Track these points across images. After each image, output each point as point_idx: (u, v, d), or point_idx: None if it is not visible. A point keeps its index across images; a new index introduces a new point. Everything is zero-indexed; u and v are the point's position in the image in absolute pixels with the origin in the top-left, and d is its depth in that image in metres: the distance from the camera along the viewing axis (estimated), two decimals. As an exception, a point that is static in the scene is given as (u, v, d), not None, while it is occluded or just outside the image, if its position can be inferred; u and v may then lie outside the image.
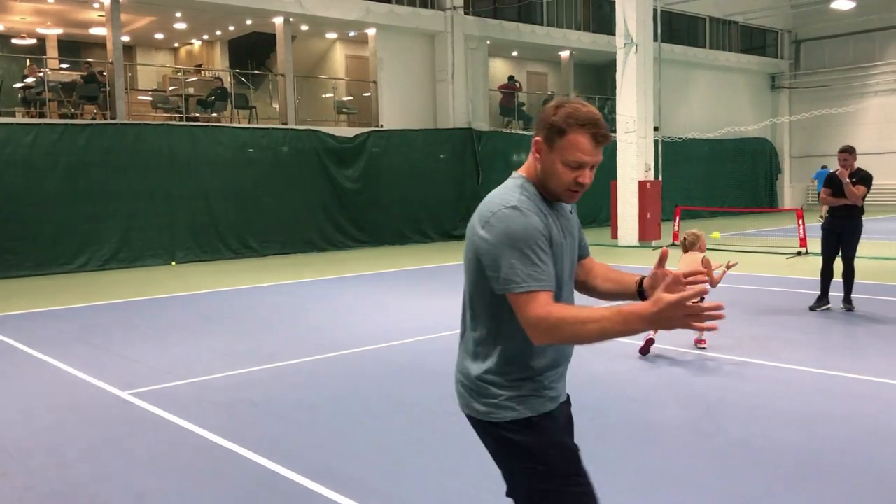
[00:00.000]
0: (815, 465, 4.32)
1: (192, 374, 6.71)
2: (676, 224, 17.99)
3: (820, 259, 9.33)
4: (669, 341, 7.46)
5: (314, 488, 4.14)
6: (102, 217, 15.22)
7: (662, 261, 2.30)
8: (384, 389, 6.18)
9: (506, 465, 2.39)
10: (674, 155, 22.81)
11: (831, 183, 8.98)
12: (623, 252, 16.34)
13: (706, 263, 6.96)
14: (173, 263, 15.94)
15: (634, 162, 17.65)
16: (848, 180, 8.70)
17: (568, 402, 2.55)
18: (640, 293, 2.46)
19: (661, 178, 18.64)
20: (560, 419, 2.45)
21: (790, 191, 30.86)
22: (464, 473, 4.31)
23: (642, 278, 2.48)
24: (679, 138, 23.73)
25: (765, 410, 5.37)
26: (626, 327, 2.05)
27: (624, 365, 6.74)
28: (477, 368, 2.36)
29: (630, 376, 6.38)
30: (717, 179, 27.17)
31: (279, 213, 17.49)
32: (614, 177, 18.37)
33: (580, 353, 7.24)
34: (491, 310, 2.31)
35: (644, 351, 6.98)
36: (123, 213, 15.46)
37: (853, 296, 9.06)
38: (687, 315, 1.98)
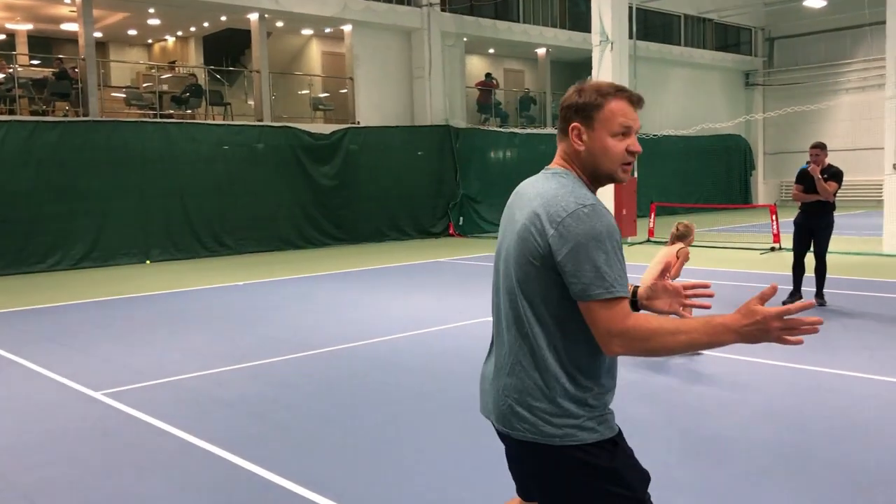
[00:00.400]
0: (789, 459, 4.37)
1: (167, 374, 6.65)
2: (652, 220, 18.11)
3: (792, 254, 9.41)
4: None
5: (290, 487, 4.12)
6: (75, 215, 15.03)
7: (664, 272, 2.23)
8: (359, 388, 6.16)
9: (576, 492, 2.18)
10: (649, 152, 22.90)
11: (803, 179, 9.07)
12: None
13: (684, 255, 6.98)
14: (147, 262, 15.78)
15: (610, 159, 17.72)
16: (819, 176, 8.79)
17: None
18: (633, 304, 2.39)
19: (636, 174, 18.74)
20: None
21: (764, 187, 31.19)
22: (439, 471, 4.31)
23: (636, 288, 2.40)
24: (654, 135, 23.89)
25: (738, 405, 5.42)
26: (713, 339, 1.96)
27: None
28: (545, 386, 2.14)
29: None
30: (691, 176, 27.39)
31: (255, 210, 17.38)
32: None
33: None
34: (557, 319, 2.12)
35: None
36: (96, 211, 15.28)
37: (825, 290, 9.16)
38: (784, 328, 1.92)
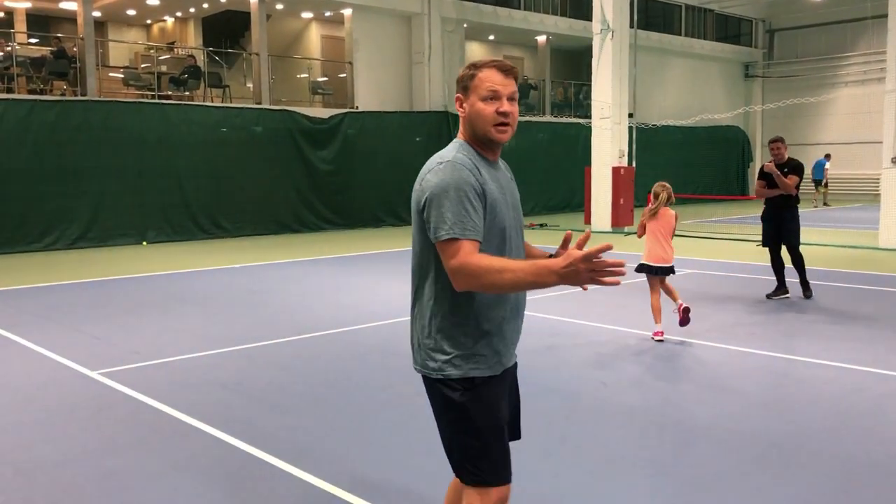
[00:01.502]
0: (780, 449, 4.41)
1: (163, 355, 6.67)
2: (649, 210, 18.12)
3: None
4: (643, 327, 7.54)
5: (284, 468, 4.15)
6: (72, 195, 15.01)
7: (581, 242, 2.33)
8: (355, 371, 6.19)
9: (441, 424, 2.53)
10: (647, 141, 22.93)
11: (765, 175, 9.01)
12: (596, 237, 16.43)
13: (676, 217, 7.22)
14: (144, 243, 15.78)
15: (608, 148, 17.74)
16: (777, 172, 8.73)
17: (514, 367, 2.68)
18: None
19: (634, 164, 18.75)
20: (505, 382, 2.55)
21: (761, 179, 31.22)
22: (434, 453, 4.34)
23: (551, 255, 2.59)
24: (653, 125, 23.87)
25: (731, 395, 5.46)
26: (537, 279, 2.18)
27: (594, 350, 6.80)
28: (431, 325, 2.47)
29: (600, 361, 6.45)
30: (689, 166, 27.40)
31: (252, 193, 17.36)
32: (588, 162, 18.46)
33: (551, 336, 7.30)
34: (437, 264, 2.41)
35: (684, 321, 7.08)
36: (93, 191, 15.26)
37: (810, 281, 9.18)
38: (592, 270, 2.10)
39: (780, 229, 9.01)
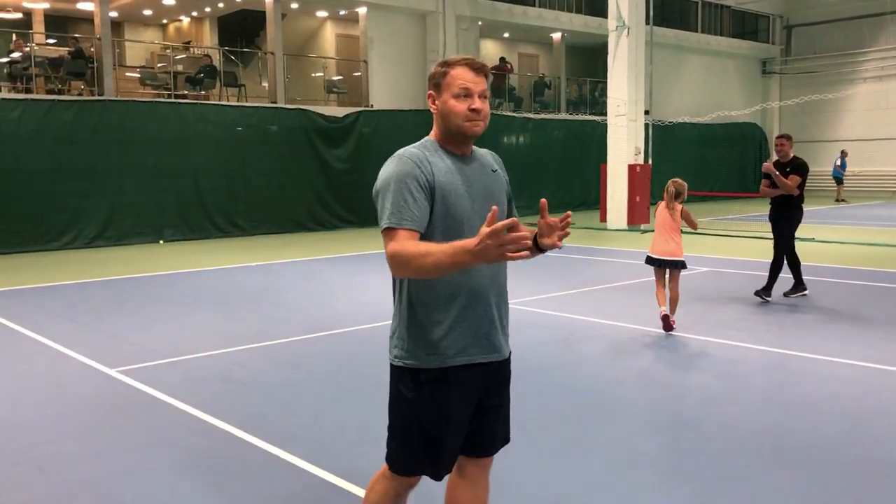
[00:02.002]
0: (797, 448, 4.38)
1: (180, 353, 6.71)
2: (665, 208, 18.03)
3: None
4: (650, 324, 7.51)
5: (300, 465, 4.16)
6: (89, 194, 15.13)
7: (544, 211, 2.43)
8: (369, 369, 6.20)
9: (390, 408, 2.63)
10: (663, 139, 22.84)
11: (769, 174, 8.89)
12: (612, 236, 16.39)
13: (686, 212, 7.32)
14: (161, 242, 15.88)
15: (624, 145, 17.66)
16: (775, 172, 8.57)
17: (501, 364, 2.65)
18: (535, 244, 2.56)
19: (650, 161, 18.67)
20: (464, 380, 2.52)
21: (779, 176, 30.99)
22: (450, 453, 4.34)
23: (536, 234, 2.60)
24: (669, 122, 23.76)
25: (748, 394, 5.43)
26: (455, 259, 2.20)
27: (612, 348, 6.78)
28: (397, 315, 2.59)
29: (617, 359, 6.43)
30: (706, 164, 27.24)
31: (267, 192, 17.43)
32: (604, 160, 18.39)
33: (569, 334, 7.28)
34: None
35: (666, 328, 7.19)
36: (111, 190, 15.37)
37: (830, 279, 9.11)
38: (500, 245, 2.11)
39: (776, 226, 8.90)
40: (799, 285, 9.01)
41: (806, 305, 8.58)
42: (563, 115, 24.43)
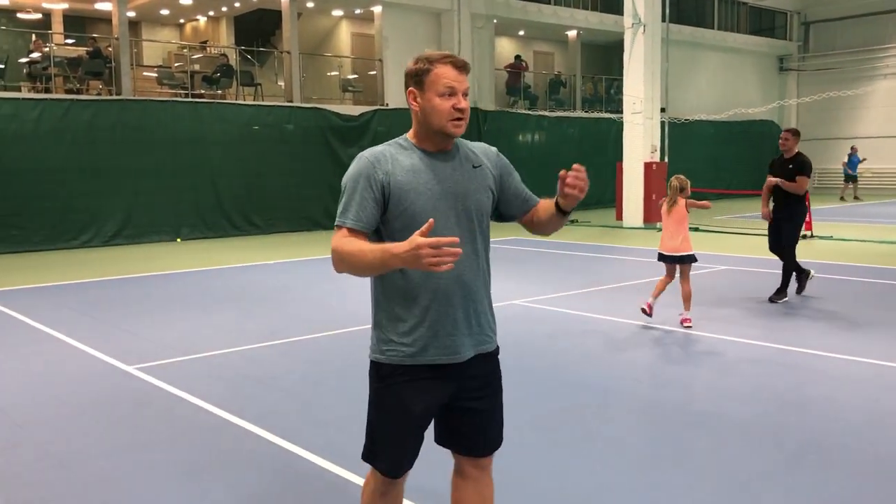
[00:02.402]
0: (816, 447, 4.35)
1: (198, 350, 6.76)
2: (681, 206, 17.94)
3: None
4: (667, 323, 7.49)
5: (318, 462, 4.19)
6: (108, 193, 15.26)
7: (562, 181, 2.51)
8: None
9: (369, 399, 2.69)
10: (680, 136, 22.71)
11: (772, 171, 8.64)
12: (628, 233, 16.34)
13: (691, 203, 7.44)
14: (178, 240, 15.99)
15: (640, 143, 17.59)
16: (782, 181, 8.32)
17: (473, 365, 2.60)
18: (558, 205, 2.65)
19: (667, 159, 18.59)
20: (421, 379, 2.52)
21: (796, 174, 30.73)
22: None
23: (557, 201, 2.66)
24: (685, 120, 23.63)
25: (766, 392, 5.40)
26: (384, 261, 2.27)
27: (625, 345, 6.77)
28: (373, 309, 2.64)
29: (633, 357, 6.42)
30: (722, 161, 27.07)
31: (284, 191, 17.50)
32: (620, 158, 18.33)
33: (582, 333, 7.27)
34: None
35: (647, 312, 7.39)
36: (129, 189, 15.50)
37: (849, 277, 9.03)
38: (429, 256, 2.15)
39: (779, 228, 8.63)
40: (783, 291, 8.66)
41: (823, 303, 8.52)
42: (578, 113, 24.37)
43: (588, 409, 5.10)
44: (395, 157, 2.54)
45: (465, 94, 2.51)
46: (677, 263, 7.46)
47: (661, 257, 7.56)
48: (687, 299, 7.40)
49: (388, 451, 2.61)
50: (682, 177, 7.64)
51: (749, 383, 5.61)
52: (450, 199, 2.53)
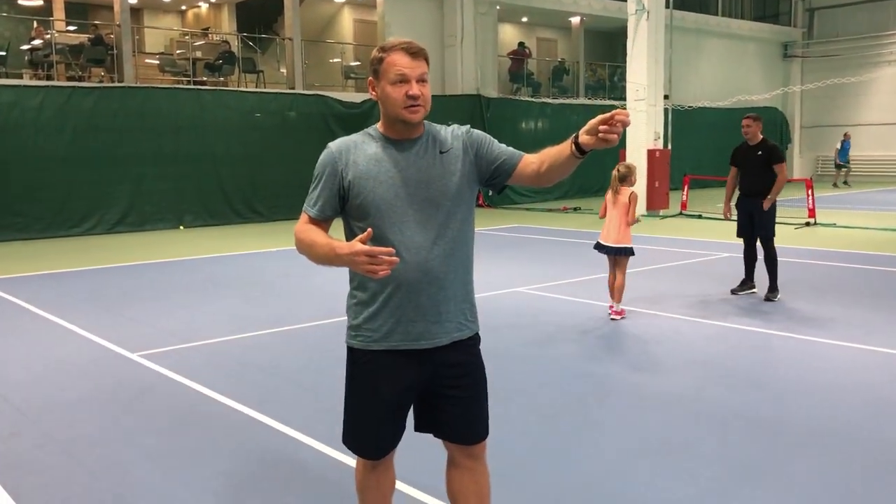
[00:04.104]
0: (820, 435, 4.35)
1: (201, 337, 6.77)
2: (685, 193, 17.92)
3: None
4: (673, 310, 7.48)
5: (320, 448, 4.19)
6: (110, 181, 15.25)
7: (609, 117, 2.35)
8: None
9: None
10: (683, 123, 22.63)
11: (737, 161, 8.38)
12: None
13: (633, 198, 7.18)
14: (181, 227, 15.99)
15: (644, 130, 17.53)
16: (770, 199, 7.91)
17: (447, 352, 2.61)
18: (577, 146, 2.49)
19: (670, 146, 18.53)
20: (386, 365, 2.59)
21: (800, 161, 30.66)
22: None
23: (577, 134, 2.50)
24: (689, 107, 23.54)
25: (769, 380, 5.40)
26: (329, 257, 2.42)
27: (628, 333, 6.77)
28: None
29: (632, 344, 6.42)
30: (726, 149, 26.72)
31: (286, 178, 17.46)
32: (623, 145, 18.26)
33: (586, 320, 7.26)
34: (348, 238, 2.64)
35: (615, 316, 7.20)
36: (131, 176, 15.49)
37: (853, 265, 8.99)
38: (363, 263, 2.28)
39: (754, 220, 8.07)
40: (748, 282, 8.35)
41: (827, 292, 8.50)
42: (581, 100, 24.27)
43: (589, 397, 5.11)
44: (360, 146, 2.59)
45: (420, 80, 2.49)
46: (614, 255, 7.23)
47: (598, 247, 7.33)
48: (619, 291, 7.17)
49: (362, 435, 2.69)
50: (628, 164, 7.39)
51: (753, 370, 5.61)
52: (411, 186, 2.53)
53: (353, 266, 2.33)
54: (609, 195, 7.32)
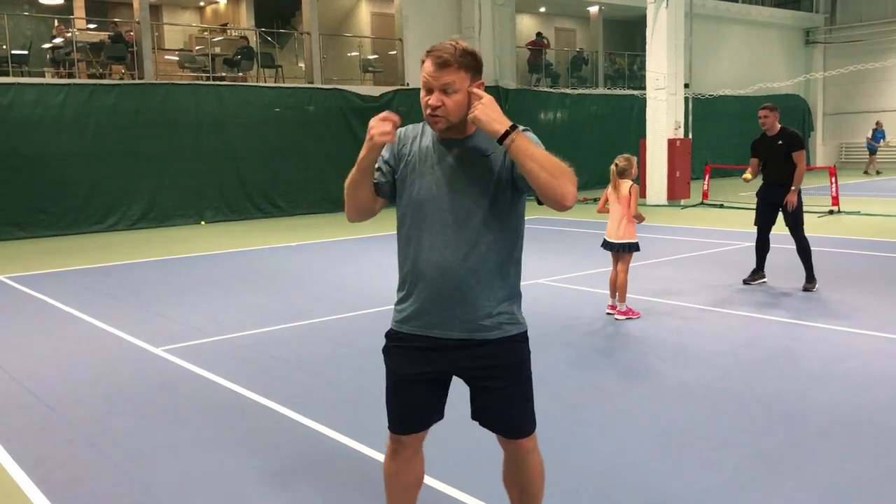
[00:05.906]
0: (845, 424, 4.32)
1: (224, 331, 6.83)
2: (706, 182, 17.78)
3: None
4: (695, 300, 7.44)
5: (345, 442, 4.22)
6: (132, 177, 15.39)
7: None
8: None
9: None
10: (704, 112, 22.46)
11: (757, 152, 8.23)
12: (651, 211, 16.20)
13: (634, 191, 6.90)
14: (202, 223, 16.11)
15: (664, 119, 17.42)
16: (792, 200, 7.77)
17: (480, 345, 2.61)
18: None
19: (690, 135, 18.39)
20: (409, 347, 2.66)
21: (823, 149, 30.31)
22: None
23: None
24: (710, 95, 23.34)
25: (793, 369, 5.37)
26: (359, 160, 2.54)
27: (650, 323, 6.74)
28: None
29: (656, 334, 6.39)
30: (747, 137, 26.42)
31: (306, 172, 17.54)
32: (643, 135, 18.15)
33: (602, 310, 7.20)
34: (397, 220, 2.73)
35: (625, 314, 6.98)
36: (153, 172, 15.62)
37: (875, 253, 8.88)
38: (371, 129, 2.45)
39: (784, 211, 7.90)
40: (759, 271, 8.29)
41: (851, 280, 8.41)
42: (600, 90, 24.13)
43: (612, 387, 5.10)
44: (418, 137, 2.65)
45: (444, 90, 2.44)
46: (617, 251, 6.99)
47: (604, 243, 7.11)
48: (621, 289, 6.88)
49: (388, 403, 2.77)
50: (628, 156, 7.03)
51: (776, 360, 5.57)
52: (447, 185, 2.55)
53: (369, 136, 2.46)
54: (609, 190, 7.05)
